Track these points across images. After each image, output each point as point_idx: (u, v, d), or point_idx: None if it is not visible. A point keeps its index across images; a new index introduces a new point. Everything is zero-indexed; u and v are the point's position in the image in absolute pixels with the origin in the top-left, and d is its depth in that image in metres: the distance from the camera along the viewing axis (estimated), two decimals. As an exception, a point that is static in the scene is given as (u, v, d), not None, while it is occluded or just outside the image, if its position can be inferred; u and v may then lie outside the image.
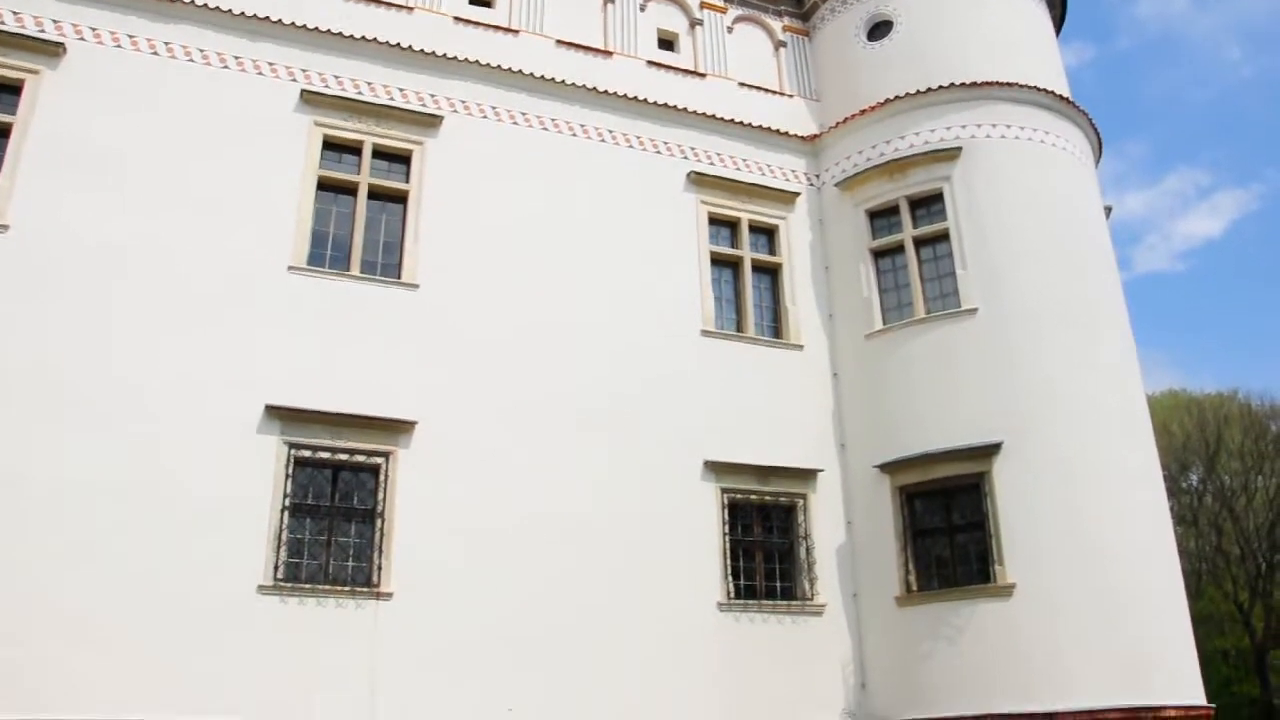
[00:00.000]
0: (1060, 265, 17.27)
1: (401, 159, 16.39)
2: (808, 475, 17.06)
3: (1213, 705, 16.36)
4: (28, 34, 14.62)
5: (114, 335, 13.81)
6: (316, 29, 16.30)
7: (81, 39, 14.96)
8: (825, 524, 16.97)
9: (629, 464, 15.89)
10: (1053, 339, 16.67)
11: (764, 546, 16.79)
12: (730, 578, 16.10)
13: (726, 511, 16.41)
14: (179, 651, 12.77)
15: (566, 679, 14.43)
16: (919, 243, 17.89)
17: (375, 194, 16.10)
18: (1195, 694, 15.81)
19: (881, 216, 18.37)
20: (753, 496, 16.74)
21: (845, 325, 18.17)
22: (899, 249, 18.03)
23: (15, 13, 14.68)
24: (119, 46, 15.18)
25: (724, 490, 16.47)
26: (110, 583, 12.78)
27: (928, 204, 18.01)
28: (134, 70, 15.14)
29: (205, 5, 15.70)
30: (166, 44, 15.44)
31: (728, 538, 16.29)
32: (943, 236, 17.68)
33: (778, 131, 19.40)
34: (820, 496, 17.08)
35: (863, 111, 18.88)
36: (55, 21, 14.87)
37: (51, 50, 14.66)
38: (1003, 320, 16.77)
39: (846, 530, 17.08)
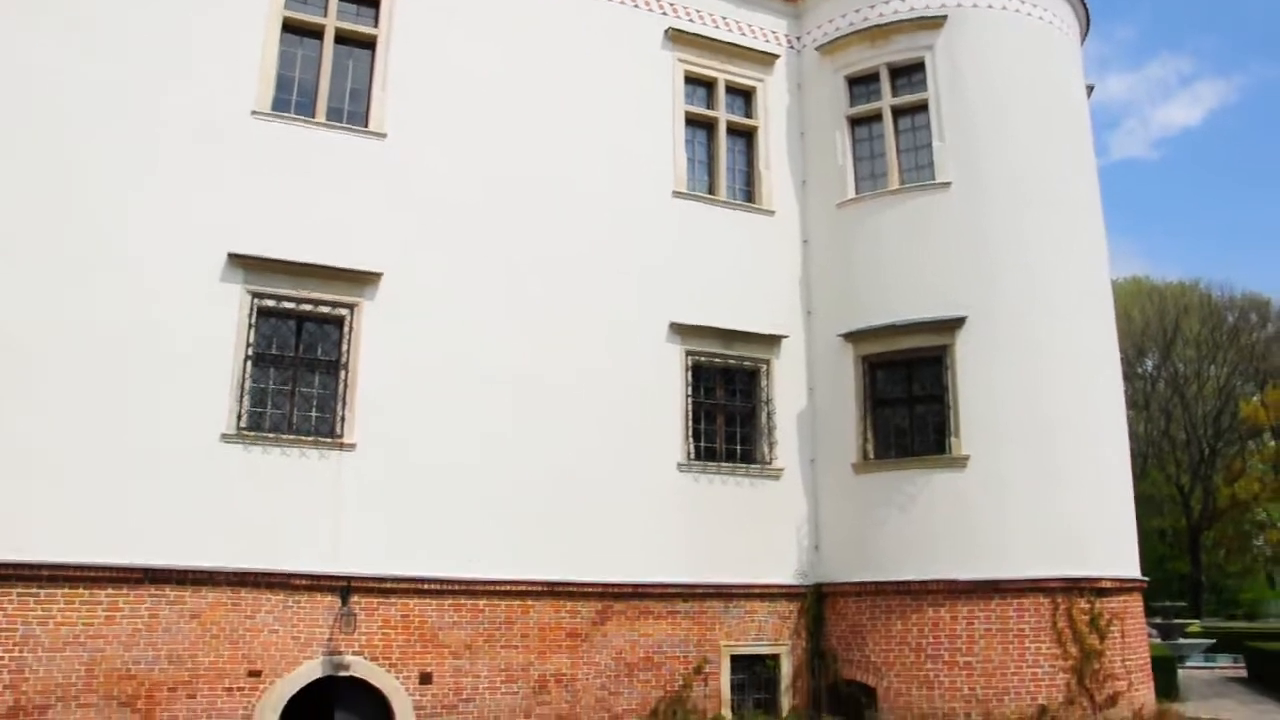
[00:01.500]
0: (1038, 143, 17.09)
1: (369, 2, 15.72)
2: (772, 341, 17.16)
3: (1146, 579, 17.07)
4: None
5: (73, 181, 13.37)
6: None
7: None
8: (787, 390, 17.16)
9: (594, 322, 15.88)
10: (1024, 217, 16.63)
11: (726, 410, 17.00)
12: (691, 439, 16.32)
13: (690, 373, 16.54)
14: (145, 497, 12.86)
15: (526, 531, 14.71)
16: (897, 112, 17.63)
17: (342, 38, 15.49)
18: (1131, 568, 16.47)
19: (861, 83, 18.04)
20: (717, 360, 16.85)
21: (818, 193, 18.01)
22: (876, 118, 17.75)
23: None
24: None
25: (688, 352, 16.55)
26: (80, 427, 12.76)
27: (909, 73, 17.66)
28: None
29: None
30: None
31: (690, 400, 16.45)
32: (921, 107, 17.42)
33: (760, -11, 18.81)
34: (784, 362, 17.22)
35: (847, -27, 18.30)
36: None
37: None
38: (976, 195, 16.67)
39: (808, 397, 17.30)
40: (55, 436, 12.62)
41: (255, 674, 13.05)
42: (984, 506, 15.52)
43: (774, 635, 16.21)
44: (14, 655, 12.00)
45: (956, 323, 16.10)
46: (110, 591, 12.55)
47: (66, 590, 12.34)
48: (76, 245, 13.21)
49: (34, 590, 12.19)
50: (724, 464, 16.51)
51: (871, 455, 16.52)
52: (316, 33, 15.35)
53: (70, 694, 12.16)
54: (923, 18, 17.48)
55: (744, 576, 16.05)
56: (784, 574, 16.47)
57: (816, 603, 16.50)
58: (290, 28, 15.19)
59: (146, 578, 12.70)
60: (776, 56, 18.56)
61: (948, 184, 16.78)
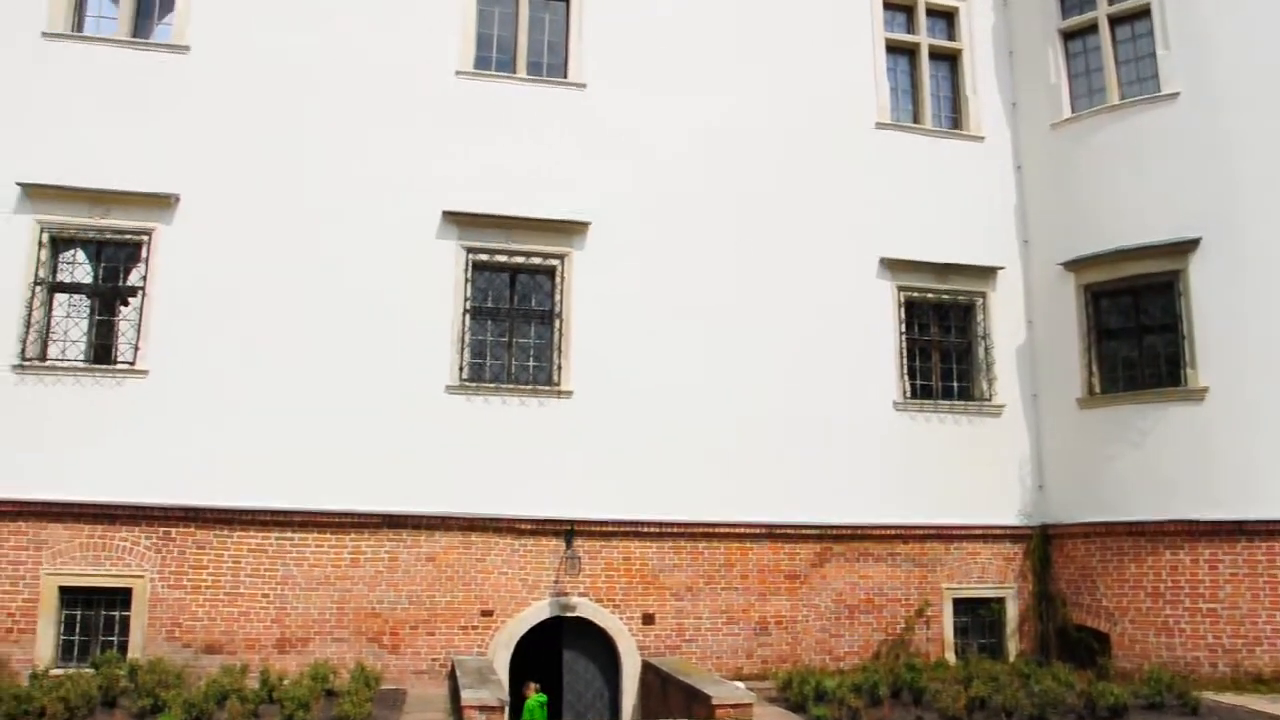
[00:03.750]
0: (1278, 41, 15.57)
1: (558, -45, 15.88)
2: (987, 273, 16.48)
3: None
4: None
5: (298, 148, 14.21)
6: None
7: None
8: (1005, 323, 16.47)
9: (804, 260, 15.63)
10: (1263, 126, 15.11)
11: (941, 346, 16.49)
12: (907, 377, 15.93)
13: (903, 310, 16.12)
14: (381, 446, 13.61)
15: (742, 473, 14.71)
16: (1114, 21, 16.36)
17: (536, -9, 15.73)
18: (1403, 510, 14.98)
19: (1073, -7, 16.93)
20: (930, 294, 16.33)
21: (1030, 114, 17.03)
22: (1091, 29, 16.56)
23: None
24: None
25: (900, 288, 16.12)
26: (317, 384, 13.64)
27: (1126, -23, 16.42)
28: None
29: None
30: None
31: (904, 336, 16.04)
32: (1142, 13, 16.10)
33: (958, -96, 17.85)
34: (1000, 295, 16.52)
35: (1053, -125, 17.09)
36: None
37: None
38: (1208, 105, 15.30)
39: (1027, 330, 16.53)
40: (303, 394, 13.51)
41: (487, 614, 13.67)
42: (1226, 442, 14.44)
43: (998, 578, 15.70)
44: (277, 593, 13.06)
45: (1190, 245, 14.97)
46: (354, 536, 13.40)
47: (316, 535, 13.28)
48: (304, 213, 14.09)
49: (289, 535, 13.20)
50: (941, 402, 16.03)
51: (1098, 389, 15.66)
52: (512, -12, 15.59)
53: (325, 629, 13.12)
54: (1144, -90, 16.12)
55: (965, 517, 15.59)
56: (1007, 515, 15.90)
57: (1042, 544, 15.86)
58: (485, -15, 15.49)
59: (385, 523, 13.48)
60: (978, -27, 17.63)
61: (1175, 95, 15.53)
